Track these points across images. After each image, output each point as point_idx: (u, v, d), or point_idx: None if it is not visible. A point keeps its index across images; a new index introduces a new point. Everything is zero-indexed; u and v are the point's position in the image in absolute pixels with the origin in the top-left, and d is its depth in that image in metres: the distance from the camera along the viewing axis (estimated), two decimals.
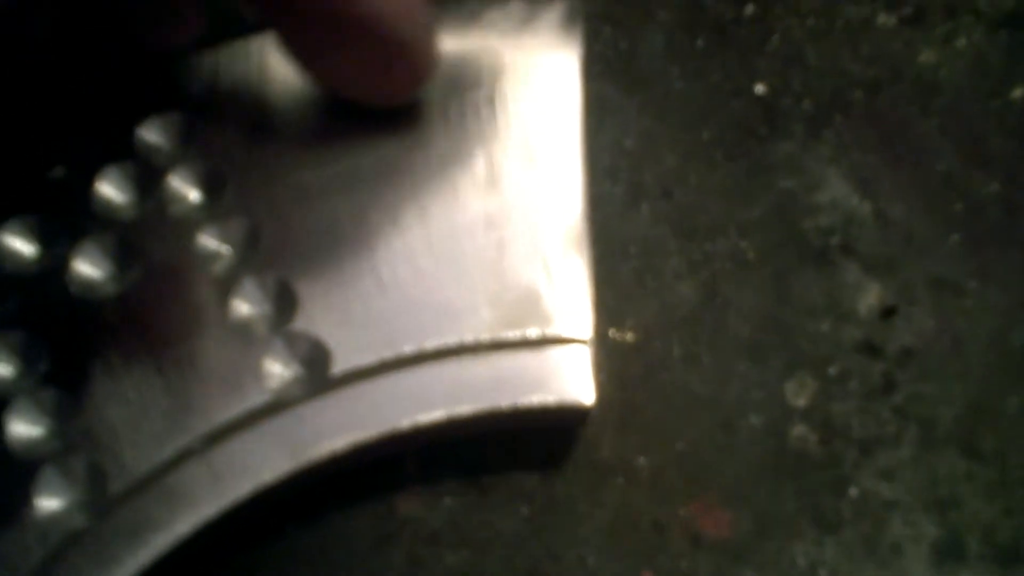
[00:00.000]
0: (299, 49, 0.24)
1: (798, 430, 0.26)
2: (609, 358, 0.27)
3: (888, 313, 0.27)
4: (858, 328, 0.27)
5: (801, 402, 0.26)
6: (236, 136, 0.27)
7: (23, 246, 0.25)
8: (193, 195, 0.26)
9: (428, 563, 0.24)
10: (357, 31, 0.23)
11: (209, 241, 0.25)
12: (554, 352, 0.24)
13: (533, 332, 0.24)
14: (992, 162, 0.29)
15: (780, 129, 0.30)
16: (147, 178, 0.26)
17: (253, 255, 0.25)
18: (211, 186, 0.26)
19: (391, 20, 0.23)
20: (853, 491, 0.25)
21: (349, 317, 0.25)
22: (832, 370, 0.27)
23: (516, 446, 0.26)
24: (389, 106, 0.26)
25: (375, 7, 0.23)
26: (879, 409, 0.26)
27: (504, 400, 0.24)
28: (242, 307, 0.25)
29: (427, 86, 0.26)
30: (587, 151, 0.27)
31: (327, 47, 0.24)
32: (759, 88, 0.31)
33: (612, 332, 0.27)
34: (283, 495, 0.24)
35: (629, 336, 0.27)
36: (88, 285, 0.25)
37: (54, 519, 0.23)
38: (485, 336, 0.24)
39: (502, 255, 0.25)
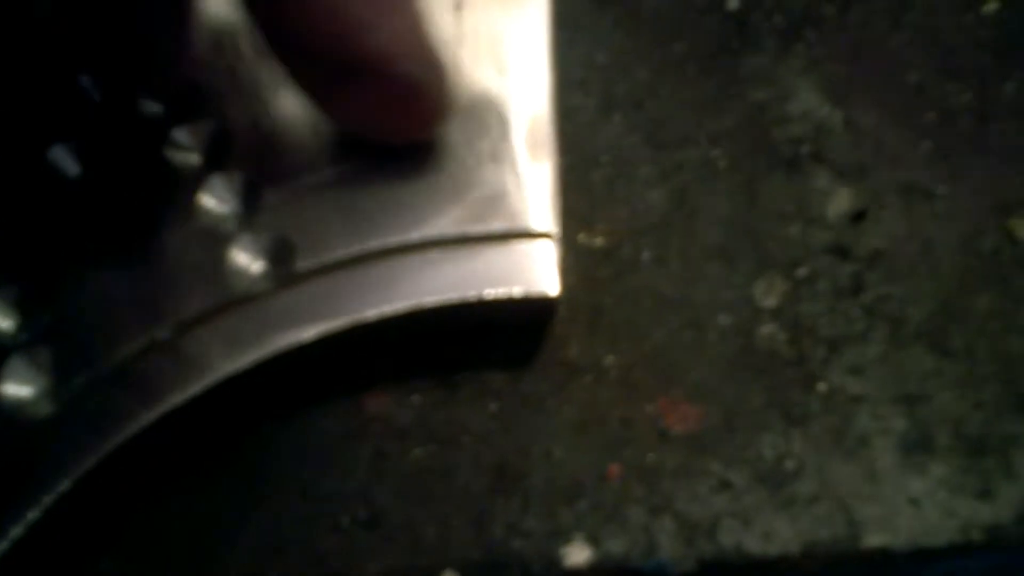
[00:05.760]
0: (311, 89, 0.24)
1: (767, 329, 0.26)
2: (578, 261, 0.27)
3: (858, 217, 0.27)
4: (827, 231, 0.27)
5: (770, 302, 0.26)
6: (207, 42, 0.27)
7: None
8: (163, 103, 0.26)
9: (394, 458, 0.24)
10: (366, 71, 0.23)
11: (178, 140, 0.25)
12: (519, 246, 0.24)
13: (498, 226, 0.25)
14: (965, 73, 0.29)
15: (752, 43, 0.30)
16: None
17: (221, 155, 0.25)
18: (182, 92, 0.26)
19: (400, 59, 0.23)
20: (821, 386, 0.25)
21: (314, 214, 0.25)
22: (801, 272, 0.27)
23: (485, 345, 0.26)
24: (405, 144, 0.25)
25: (384, 46, 0.22)
26: (848, 308, 0.26)
27: (470, 292, 0.24)
28: (209, 203, 0.25)
29: (443, 125, 0.25)
30: (558, 62, 0.27)
31: (337, 87, 0.23)
32: (732, 4, 0.31)
33: (581, 236, 0.27)
34: (251, 389, 0.24)
35: (599, 240, 0.27)
36: (55, 182, 0.25)
37: (20, 407, 0.23)
38: (450, 231, 0.24)
39: (468, 155, 0.26)
